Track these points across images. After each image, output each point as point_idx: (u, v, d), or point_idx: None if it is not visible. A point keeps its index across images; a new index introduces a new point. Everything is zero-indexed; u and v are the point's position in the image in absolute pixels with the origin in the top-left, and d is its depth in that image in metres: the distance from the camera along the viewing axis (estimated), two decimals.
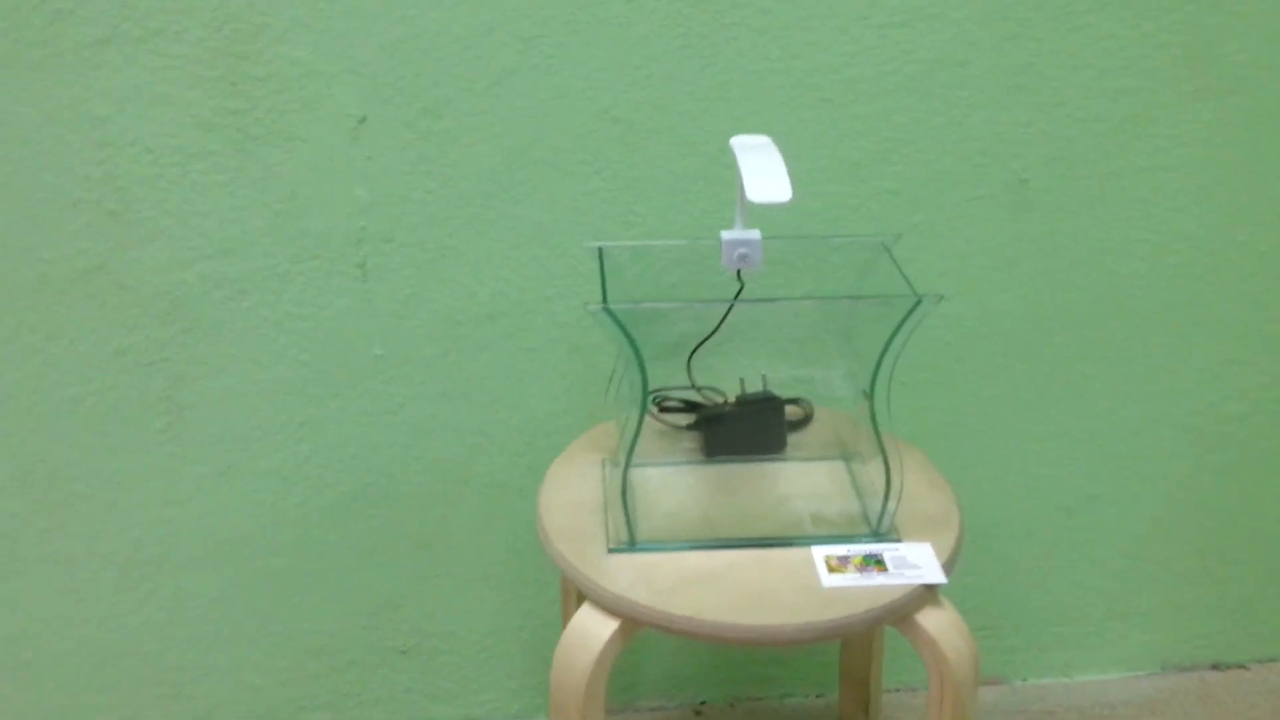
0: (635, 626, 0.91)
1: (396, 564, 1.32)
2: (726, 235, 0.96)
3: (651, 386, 1.10)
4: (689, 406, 1.08)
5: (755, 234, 0.96)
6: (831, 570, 0.92)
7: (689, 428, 1.08)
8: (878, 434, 0.95)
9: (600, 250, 0.99)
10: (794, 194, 1.16)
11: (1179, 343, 1.29)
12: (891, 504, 0.96)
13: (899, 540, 0.96)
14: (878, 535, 0.96)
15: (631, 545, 0.95)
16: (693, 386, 1.07)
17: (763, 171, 0.85)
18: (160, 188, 1.12)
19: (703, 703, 1.44)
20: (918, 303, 0.88)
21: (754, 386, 1.07)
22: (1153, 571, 1.40)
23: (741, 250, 0.95)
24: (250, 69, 1.08)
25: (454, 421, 1.25)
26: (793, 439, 1.09)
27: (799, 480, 1.04)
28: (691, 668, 1.41)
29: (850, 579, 0.91)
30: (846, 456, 1.07)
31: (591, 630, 0.91)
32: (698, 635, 0.88)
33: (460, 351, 1.21)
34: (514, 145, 1.13)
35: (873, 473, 1.03)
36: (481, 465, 1.27)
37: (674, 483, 1.04)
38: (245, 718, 1.39)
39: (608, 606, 0.91)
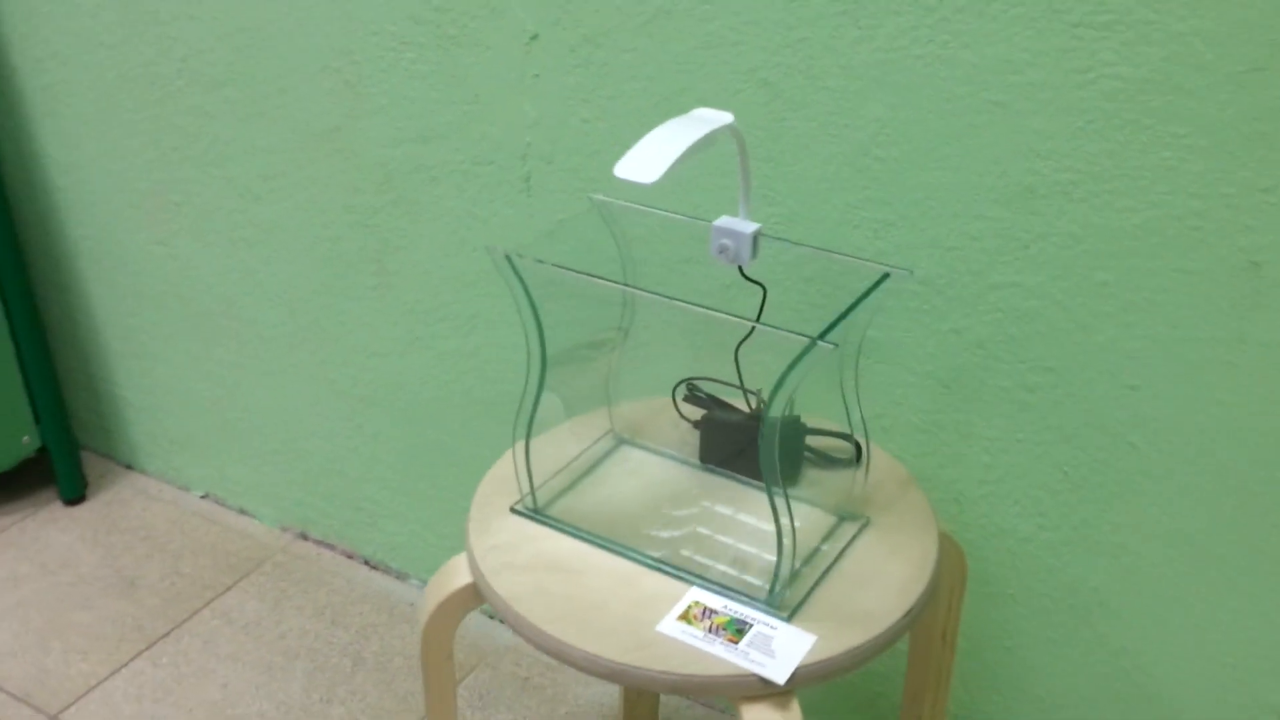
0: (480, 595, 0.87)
1: None
2: (718, 222, 0.85)
3: (701, 373, 1.02)
4: (715, 403, 0.98)
5: (748, 227, 0.84)
6: (683, 618, 0.81)
7: (696, 424, 0.98)
8: (770, 492, 0.79)
9: (600, 203, 0.92)
10: (951, 211, 0.98)
11: None
12: (783, 571, 0.80)
13: (787, 619, 0.81)
14: (770, 604, 0.82)
15: (534, 513, 0.91)
16: (740, 387, 0.97)
17: (652, 146, 0.74)
18: (381, 68, 1.22)
19: None
20: (810, 346, 0.72)
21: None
22: None
23: (724, 241, 0.84)
24: None
25: None
26: (814, 476, 0.94)
27: (758, 519, 0.90)
28: (895, 693, 1.29)
29: (690, 635, 0.79)
30: (851, 515, 0.91)
31: (451, 577, 0.89)
32: (504, 619, 0.83)
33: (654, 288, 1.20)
34: (663, 90, 1.08)
35: (870, 544, 0.87)
36: None
37: (640, 471, 0.96)
38: (429, 566, 1.53)
39: (470, 561, 0.88)
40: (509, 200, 1.21)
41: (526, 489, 0.90)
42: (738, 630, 0.80)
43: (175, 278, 1.53)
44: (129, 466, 1.76)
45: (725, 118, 0.79)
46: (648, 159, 0.73)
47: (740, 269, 0.87)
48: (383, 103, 1.24)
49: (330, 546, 1.60)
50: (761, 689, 0.76)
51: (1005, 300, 1.00)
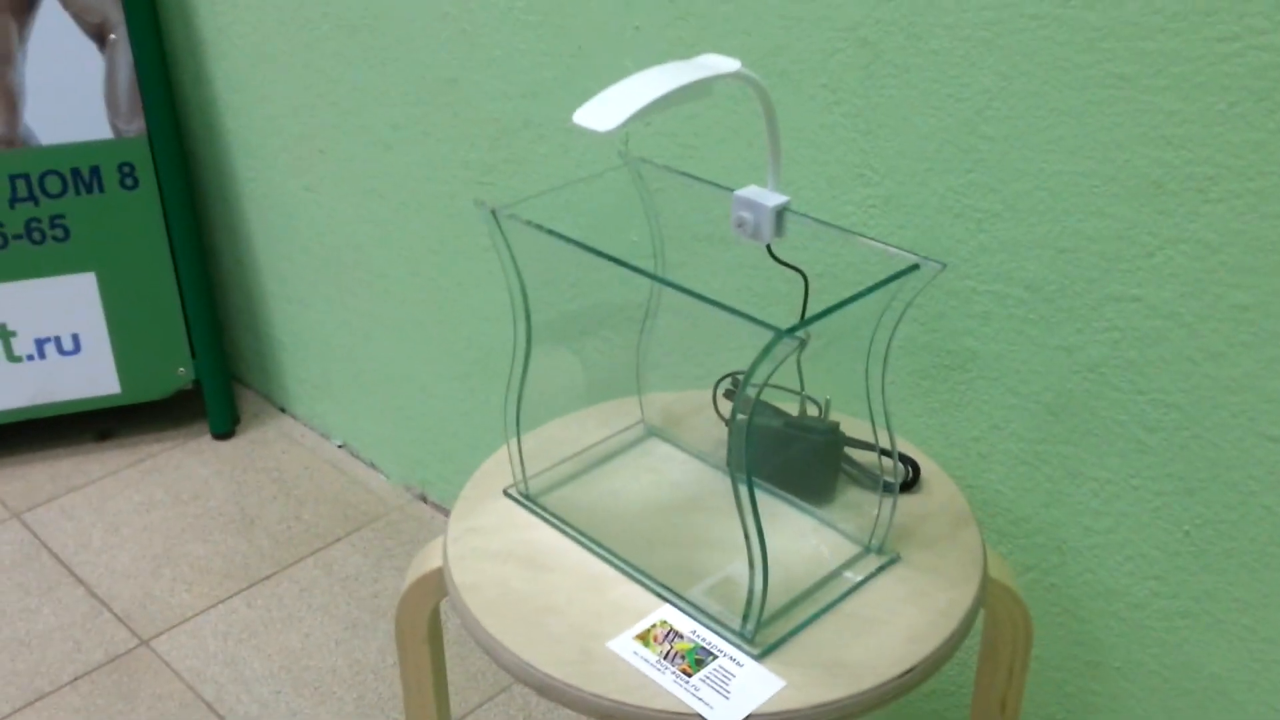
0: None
1: None
2: (741, 192, 0.73)
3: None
4: (758, 404, 0.86)
5: (772, 199, 0.72)
6: (641, 638, 0.71)
7: (728, 422, 0.87)
8: (739, 506, 0.68)
9: (635, 163, 0.82)
10: (1064, 204, 0.82)
11: None
12: (756, 600, 0.69)
13: (758, 657, 0.69)
14: (742, 636, 0.70)
15: (525, 499, 0.82)
16: (801, 392, 0.85)
17: (620, 92, 0.63)
18: (494, 16, 1.17)
19: None
20: (776, 340, 0.60)
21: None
22: None
23: (743, 214, 0.72)
24: None
25: None
26: (852, 497, 0.81)
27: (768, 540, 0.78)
28: None
29: (641, 658, 0.69)
30: (877, 548, 0.77)
31: (429, 556, 0.82)
32: (457, 608, 0.75)
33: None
34: (760, 47, 0.96)
35: (890, 584, 0.74)
36: None
37: (659, 468, 0.85)
38: None
39: (444, 542, 0.81)
40: (611, 163, 1.13)
41: (520, 472, 0.82)
42: (697, 661, 0.69)
43: (320, 224, 1.53)
44: (282, 409, 1.80)
45: (729, 65, 0.68)
46: (610, 106, 0.63)
47: (769, 250, 0.76)
48: (495, 54, 1.18)
49: (445, 512, 1.57)
50: None
51: (1124, 316, 0.83)
